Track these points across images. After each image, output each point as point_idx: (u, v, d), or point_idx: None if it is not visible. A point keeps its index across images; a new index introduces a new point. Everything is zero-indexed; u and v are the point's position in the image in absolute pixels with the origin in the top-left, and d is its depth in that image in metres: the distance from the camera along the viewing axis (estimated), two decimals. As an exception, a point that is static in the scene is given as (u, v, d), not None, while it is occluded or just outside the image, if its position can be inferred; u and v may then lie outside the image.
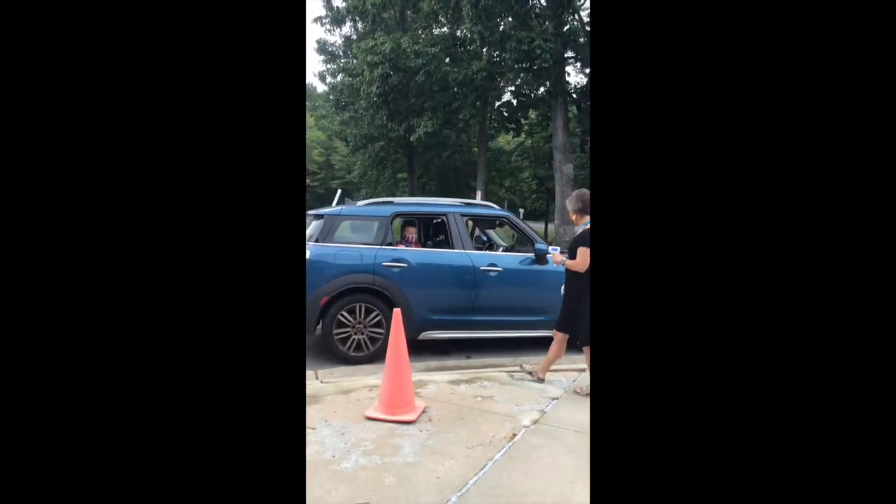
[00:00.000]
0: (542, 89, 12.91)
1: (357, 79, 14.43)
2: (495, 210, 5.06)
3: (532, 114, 16.53)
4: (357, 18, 17.55)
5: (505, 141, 21.56)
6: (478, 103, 14.27)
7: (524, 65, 10.99)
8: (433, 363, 4.11)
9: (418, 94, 13.34)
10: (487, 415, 2.95)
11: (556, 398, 3.28)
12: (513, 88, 15.34)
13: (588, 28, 11.63)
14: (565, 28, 11.42)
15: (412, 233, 4.90)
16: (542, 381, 3.55)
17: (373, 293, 4.18)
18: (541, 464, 2.38)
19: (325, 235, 4.19)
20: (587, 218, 3.35)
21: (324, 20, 18.75)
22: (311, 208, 4.78)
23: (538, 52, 10.18)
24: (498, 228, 6.04)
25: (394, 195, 17.64)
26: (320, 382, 3.48)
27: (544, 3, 11.35)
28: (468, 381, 3.55)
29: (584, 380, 3.57)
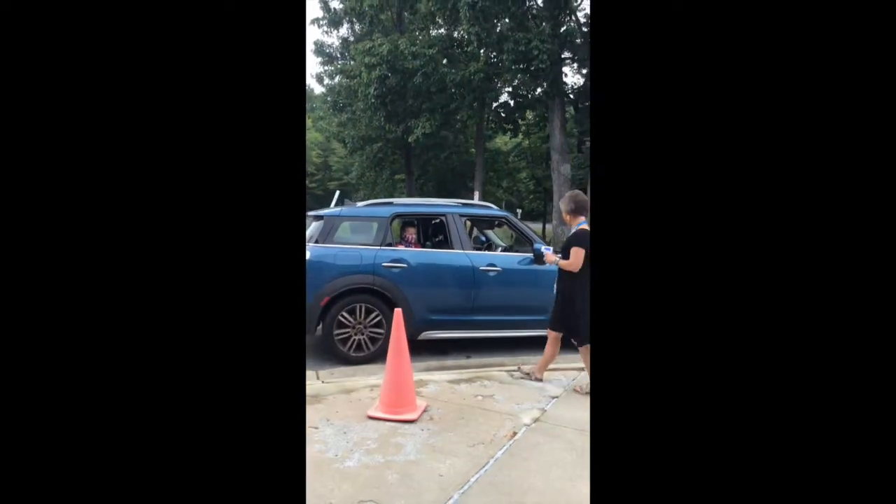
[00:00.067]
0: (539, 90, 12.93)
1: (355, 80, 14.45)
2: (494, 210, 5.07)
3: (529, 114, 16.50)
4: (354, 20, 17.56)
5: (502, 142, 21.54)
6: (475, 104, 14.28)
7: (521, 66, 11.00)
8: (433, 363, 4.13)
9: (416, 95, 13.34)
10: (488, 413, 2.97)
11: (556, 397, 3.30)
12: (510, 89, 15.37)
13: (585, 29, 11.65)
14: (562, 29, 11.43)
15: (411, 233, 4.92)
16: (540, 380, 3.58)
17: (373, 293, 4.20)
18: (541, 461, 2.40)
19: (325, 236, 4.21)
20: (580, 218, 3.38)
21: (321, 22, 18.76)
22: (310, 209, 4.79)
23: (535, 52, 10.19)
24: (496, 228, 6.05)
25: (392, 196, 17.66)
26: (322, 383, 3.49)
27: (541, 5, 11.36)
28: (468, 381, 3.57)
29: (584, 378, 3.60)
